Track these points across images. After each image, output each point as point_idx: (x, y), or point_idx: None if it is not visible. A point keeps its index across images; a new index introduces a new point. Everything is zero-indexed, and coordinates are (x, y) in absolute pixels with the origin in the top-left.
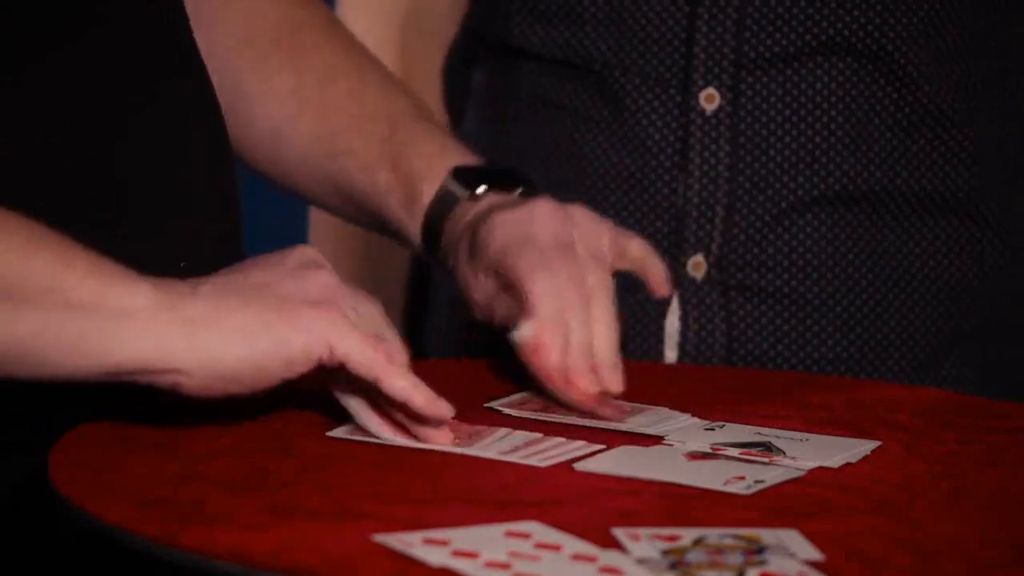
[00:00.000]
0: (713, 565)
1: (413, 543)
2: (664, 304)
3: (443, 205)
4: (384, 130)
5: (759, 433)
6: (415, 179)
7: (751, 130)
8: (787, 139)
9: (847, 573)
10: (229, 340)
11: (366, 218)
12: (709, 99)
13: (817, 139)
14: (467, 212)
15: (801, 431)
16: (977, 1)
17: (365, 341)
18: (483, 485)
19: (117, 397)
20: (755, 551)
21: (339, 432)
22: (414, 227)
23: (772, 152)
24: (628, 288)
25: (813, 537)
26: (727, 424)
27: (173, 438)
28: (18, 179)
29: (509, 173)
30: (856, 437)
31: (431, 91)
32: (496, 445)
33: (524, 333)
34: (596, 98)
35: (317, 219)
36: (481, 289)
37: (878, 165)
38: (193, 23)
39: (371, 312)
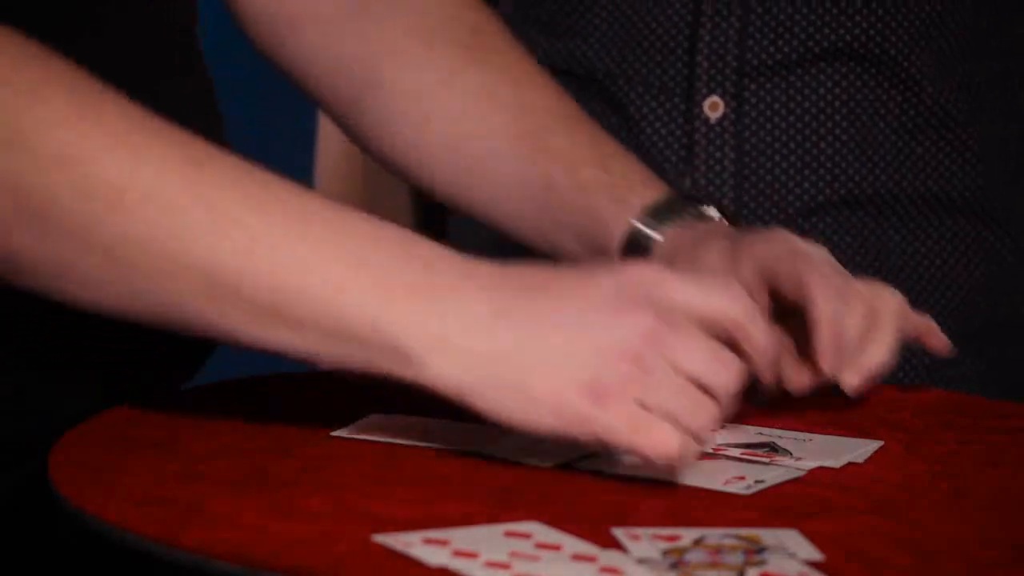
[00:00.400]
0: (713, 565)
1: (413, 543)
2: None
3: (673, 208)
4: (588, 132)
5: (760, 433)
6: (636, 180)
7: (755, 137)
8: (792, 145)
9: (847, 573)
10: (491, 392)
11: (552, 224)
12: (713, 107)
13: (822, 144)
14: (701, 223)
15: (802, 431)
16: (978, 3)
17: (642, 432)
18: (483, 485)
19: (117, 397)
20: (755, 551)
21: (343, 432)
22: (620, 220)
23: (777, 159)
24: None
25: (813, 537)
26: (728, 424)
27: (173, 438)
28: None
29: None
30: (857, 437)
31: None
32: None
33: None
34: (601, 106)
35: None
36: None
37: (883, 169)
38: (352, 23)
39: (700, 370)
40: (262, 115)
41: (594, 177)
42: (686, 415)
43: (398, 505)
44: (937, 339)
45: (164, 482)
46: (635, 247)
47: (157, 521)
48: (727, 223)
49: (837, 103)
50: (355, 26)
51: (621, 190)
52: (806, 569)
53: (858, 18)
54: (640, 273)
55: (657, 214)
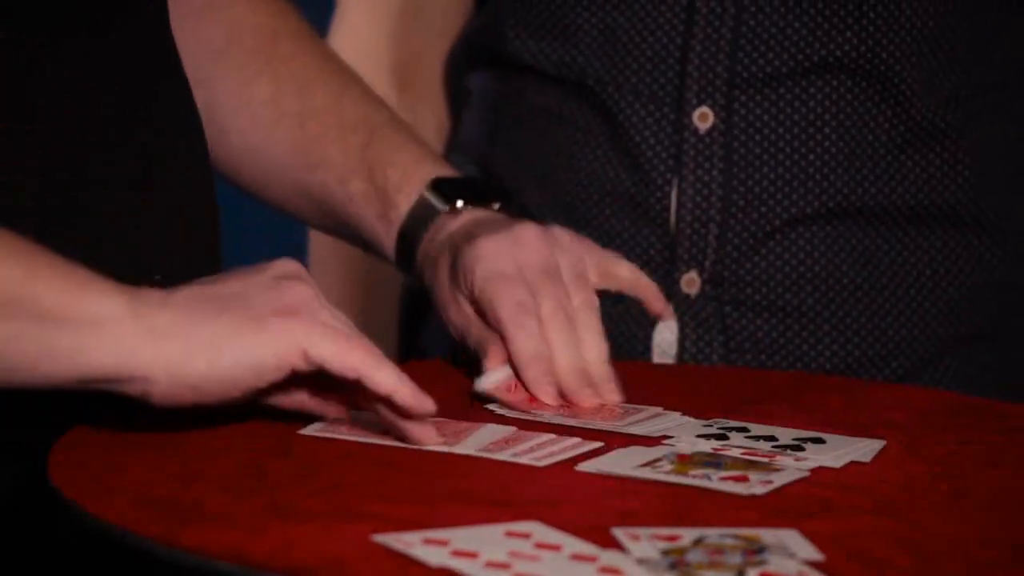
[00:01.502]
0: (713, 565)
1: (413, 543)
2: (652, 317)
3: (420, 218)
4: (362, 138)
5: (762, 432)
6: (391, 190)
7: (744, 148)
8: (780, 157)
9: (847, 573)
10: (195, 350)
11: (342, 229)
12: (703, 118)
13: (811, 157)
14: (445, 226)
15: (802, 430)
16: (968, 16)
17: (342, 340)
18: (483, 485)
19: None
20: (755, 551)
21: (310, 430)
22: (389, 239)
23: (765, 170)
24: (615, 298)
25: (813, 537)
26: (729, 424)
27: (173, 438)
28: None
29: (487, 186)
30: (857, 437)
31: (430, 86)
32: (479, 439)
33: (486, 383)
34: (591, 113)
35: None
36: (459, 312)
37: (872, 181)
38: (176, 38)
39: (347, 321)
40: None
41: (361, 190)
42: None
43: (398, 505)
44: (650, 299)
45: (164, 482)
46: (406, 261)
47: (157, 521)
48: (481, 213)
49: (827, 116)
50: (179, 34)
51: (383, 205)
52: (806, 569)
53: (849, 33)
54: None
55: (411, 231)
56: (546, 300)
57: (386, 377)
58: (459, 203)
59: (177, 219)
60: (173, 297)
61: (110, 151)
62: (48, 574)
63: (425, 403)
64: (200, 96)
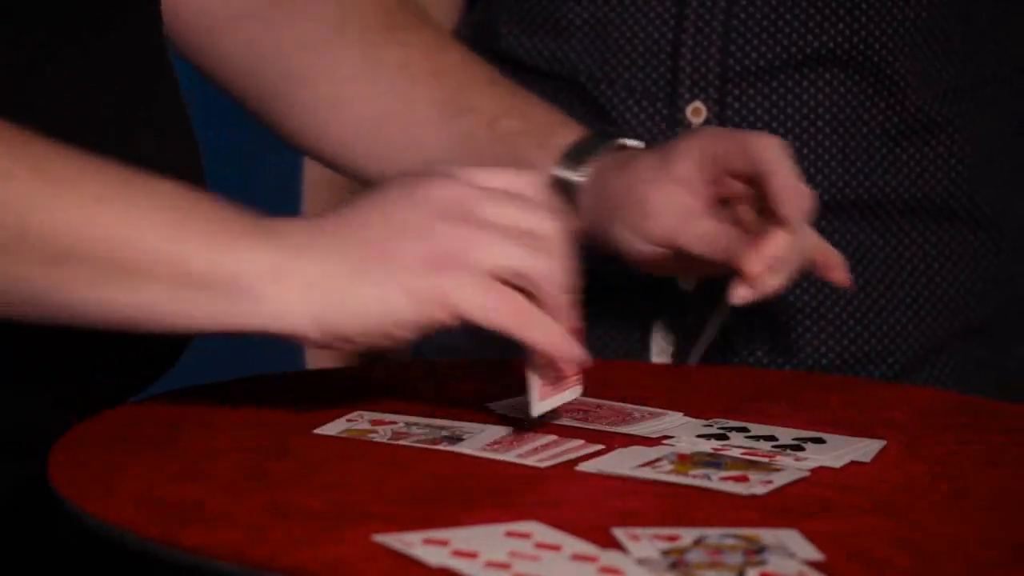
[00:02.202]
0: (713, 565)
1: (413, 543)
2: (649, 314)
3: (589, 146)
4: (506, 88)
5: (762, 432)
6: (555, 124)
7: None
8: None
9: (847, 573)
10: (343, 308)
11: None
12: (696, 112)
13: (805, 150)
14: (619, 155)
15: (802, 430)
16: (963, 8)
17: (491, 296)
18: (483, 485)
19: (117, 397)
20: (755, 551)
21: (327, 429)
22: (545, 168)
23: None
24: (612, 297)
25: (813, 537)
26: (729, 423)
27: (173, 438)
28: None
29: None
30: (857, 436)
31: None
32: (480, 440)
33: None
34: (584, 109)
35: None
36: (677, 194)
37: (867, 175)
38: (265, 21)
39: (516, 217)
40: (248, 123)
41: (514, 127)
42: (526, 260)
43: (398, 505)
44: (838, 273)
45: (164, 482)
46: (560, 191)
47: (157, 521)
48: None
49: (821, 109)
50: (269, 22)
51: (542, 136)
52: (806, 569)
53: (841, 25)
54: (438, 172)
55: (577, 154)
56: None
57: (540, 337)
58: (634, 143)
59: None
60: (319, 241)
61: (108, 152)
62: (48, 574)
63: (577, 352)
64: (316, 77)
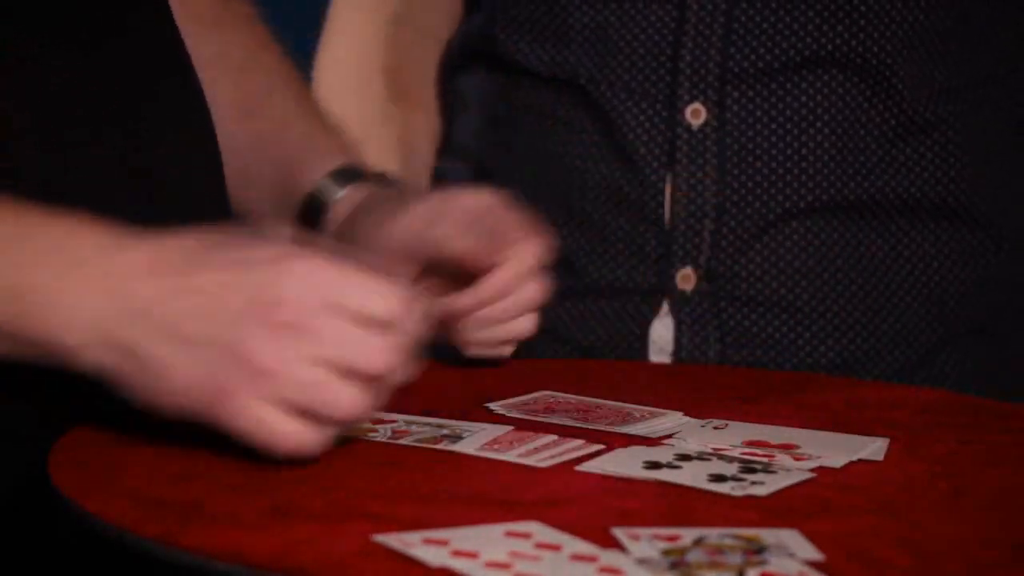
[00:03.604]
0: (713, 565)
1: (413, 543)
2: (649, 312)
3: (355, 174)
4: (304, 98)
5: (762, 433)
6: (325, 144)
7: (737, 144)
8: (774, 152)
9: (847, 573)
10: (164, 396)
11: (252, 174)
12: (695, 114)
13: (804, 151)
14: (378, 190)
15: (802, 431)
16: (960, 9)
17: (257, 438)
18: (483, 485)
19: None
20: (755, 551)
21: None
22: (306, 185)
23: (759, 165)
24: (611, 295)
25: (813, 537)
26: (729, 423)
27: (173, 438)
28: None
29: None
30: (857, 435)
31: (422, 89)
32: (480, 439)
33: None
34: (583, 111)
35: None
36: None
37: (865, 175)
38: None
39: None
40: None
41: (296, 136)
42: (324, 406)
43: (398, 505)
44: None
45: (164, 482)
46: (313, 207)
47: (157, 521)
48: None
49: (819, 110)
50: None
51: (317, 153)
52: (806, 569)
53: (840, 27)
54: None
55: (341, 177)
56: None
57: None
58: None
59: (186, 217)
60: (155, 312)
61: (113, 148)
62: (48, 574)
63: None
64: None
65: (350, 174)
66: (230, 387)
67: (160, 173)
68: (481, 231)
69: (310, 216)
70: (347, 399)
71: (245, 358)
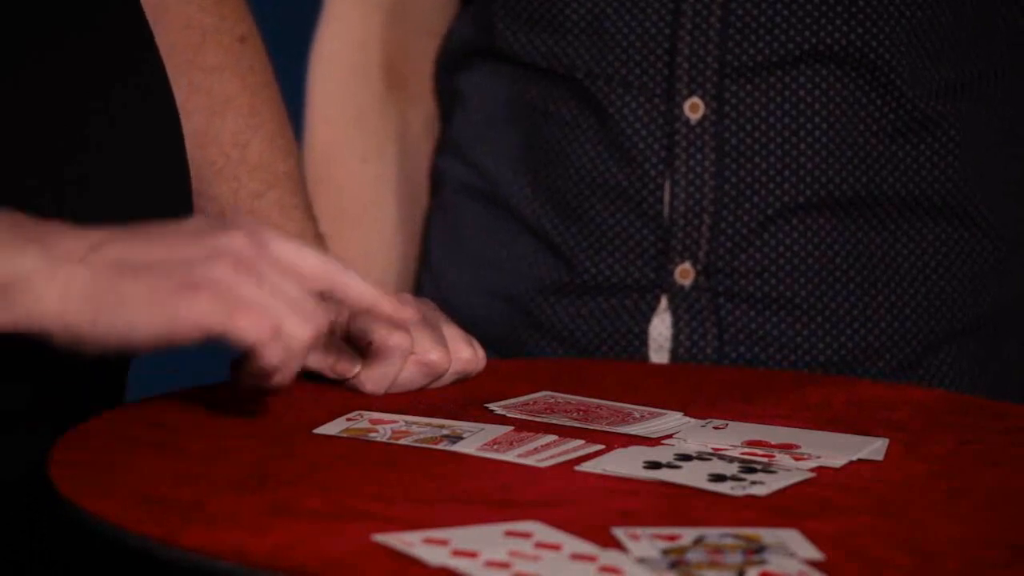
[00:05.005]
0: (713, 565)
1: (413, 543)
2: (647, 309)
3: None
4: (257, 187)
5: (762, 433)
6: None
7: (736, 138)
8: (772, 146)
9: (847, 573)
10: (95, 323)
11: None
12: (693, 108)
13: (802, 146)
14: None
15: (802, 430)
16: (958, 5)
17: (233, 313)
18: (483, 485)
19: (116, 397)
20: (755, 551)
21: (327, 429)
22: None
23: (757, 160)
24: (610, 291)
25: (813, 537)
26: (729, 423)
27: (173, 438)
28: None
29: None
30: (857, 436)
31: (419, 84)
32: (479, 439)
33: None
34: (581, 106)
35: None
36: None
37: (863, 171)
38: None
39: (285, 289)
40: None
41: (256, 186)
42: (281, 312)
43: (398, 505)
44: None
45: (164, 482)
46: None
47: (157, 521)
48: None
49: (817, 105)
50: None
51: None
52: (806, 569)
53: (839, 21)
54: (237, 223)
55: None
56: None
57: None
58: None
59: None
60: (95, 254)
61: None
62: (48, 574)
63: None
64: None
65: None
66: (195, 283)
67: (101, 181)
68: (332, 343)
69: None
70: (302, 312)
71: (207, 264)
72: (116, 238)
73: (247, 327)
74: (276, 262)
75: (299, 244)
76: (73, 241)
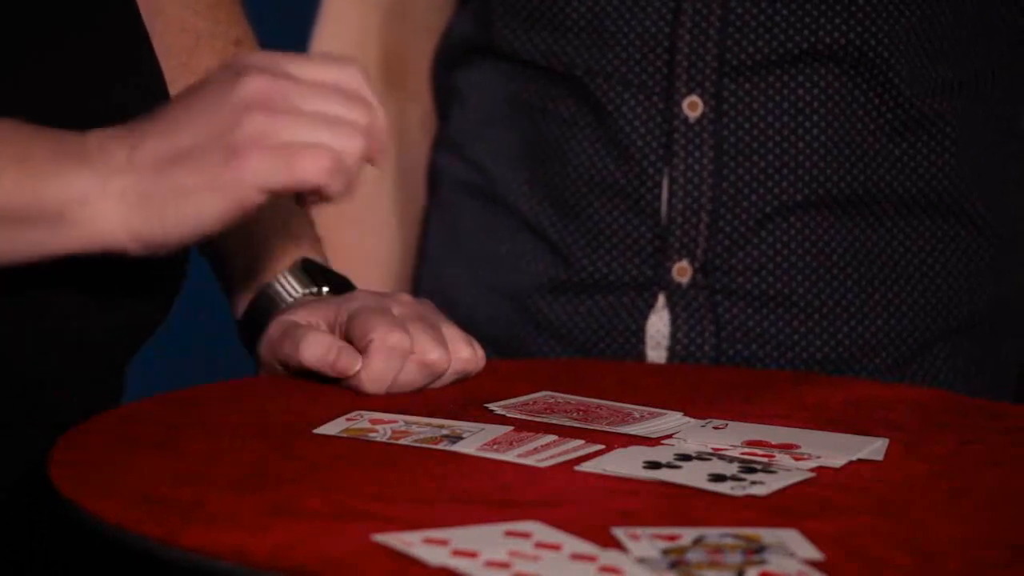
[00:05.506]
0: (713, 565)
1: (413, 543)
2: (645, 306)
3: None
4: None
5: (762, 433)
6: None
7: (734, 136)
8: (770, 145)
9: (847, 573)
10: (159, 220)
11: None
12: (692, 106)
13: (800, 144)
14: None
15: (802, 430)
16: (956, 6)
17: (289, 161)
18: (483, 485)
19: (116, 397)
20: (755, 551)
21: (327, 429)
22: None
23: (755, 158)
24: (607, 289)
25: (813, 537)
26: (729, 423)
27: (173, 438)
28: None
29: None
30: (857, 436)
31: (417, 82)
32: (479, 439)
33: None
34: (579, 104)
35: None
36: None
37: (861, 169)
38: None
39: (325, 106)
40: None
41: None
42: (329, 139)
43: (398, 505)
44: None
45: (164, 482)
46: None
47: (157, 521)
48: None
49: (816, 103)
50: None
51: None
52: (806, 569)
53: (838, 20)
54: (247, 61)
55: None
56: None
57: (340, 186)
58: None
59: None
60: (130, 155)
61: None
62: (48, 574)
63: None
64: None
65: (313, 273)
66: (238, 147)
67: None
68: (332, 341)
69: (260, 308)
70: (346, 131)
71: (240, 120)
72: (148, 132)
73: (306, 172)
74: (302, 86)
75: (314, 58)
76: (113, 149)
